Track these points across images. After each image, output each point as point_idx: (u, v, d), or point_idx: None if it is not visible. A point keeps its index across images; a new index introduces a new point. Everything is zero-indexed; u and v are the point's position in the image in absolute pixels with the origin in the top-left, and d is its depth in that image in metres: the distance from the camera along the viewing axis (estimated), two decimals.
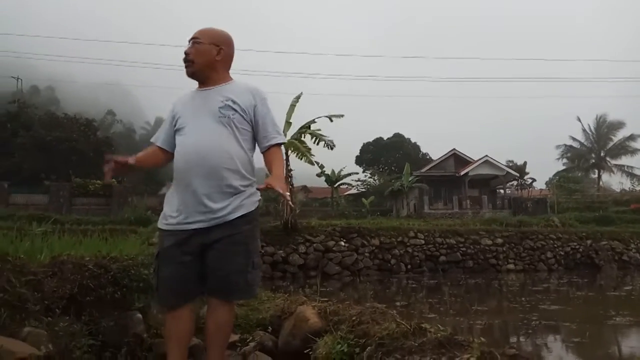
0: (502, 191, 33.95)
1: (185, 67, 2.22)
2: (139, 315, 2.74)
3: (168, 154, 2.26)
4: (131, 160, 2.15)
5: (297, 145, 14.55)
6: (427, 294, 10.89)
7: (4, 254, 2.51)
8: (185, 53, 2.21)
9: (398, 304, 8.42)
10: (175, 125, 2.23)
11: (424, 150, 52.38)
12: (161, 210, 2.21)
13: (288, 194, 2.04)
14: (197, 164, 2.06)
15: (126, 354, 2.54)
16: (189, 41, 2.23)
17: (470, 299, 9.88)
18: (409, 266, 14.78)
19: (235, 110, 2.15)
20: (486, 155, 30.64)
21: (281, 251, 13.39)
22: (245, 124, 2.19)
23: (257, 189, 2.17)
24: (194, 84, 2.29)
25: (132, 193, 23.89)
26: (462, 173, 30.19)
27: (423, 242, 15.29)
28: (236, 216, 2.09)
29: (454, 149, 33.60)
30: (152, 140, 2.32)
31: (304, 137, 15.03)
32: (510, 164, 36.29)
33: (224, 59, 2.25)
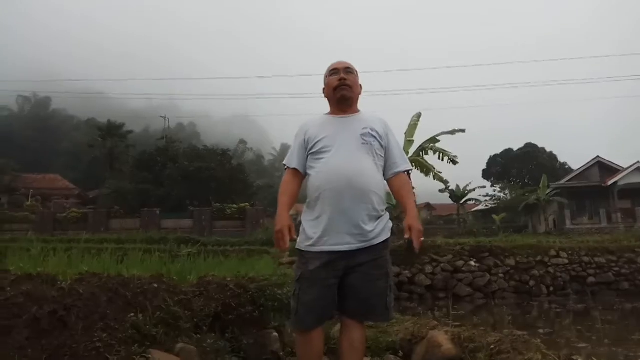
0: None
1: (343, 89, 2.29)
2: (276, 334, 2.88)
3: (301, 176, 2.30)
4: (291, 225, 2.24)
5: (421, 162, 14.25)
6: (575, 319, 9.75)
7: (159, 275, 2.82)
8: (344, 78, 2.30)
9: (541, 331, 7.66)
10: (310, 149, 2.26)
11: (561, 159, 48.04)
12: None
13: (422, 239, 2.12)
14: (349, 187, 2.10)
15: None
16: (340, 69, 2.32)
17: (627, 326, 8.65)
18: (551, 288, 13.41)
19: (375, 137, 2.25)
20: (638, 161, 26.99)
21: (407, 271, 13.09)
22: (382, 151, 2.28)
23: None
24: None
25: (264, 215, 25.47)
26: (610, 183, 27.03)
27: (567, 261, 13.79)
28: (380, 240, 2.15)
29: (598, 157, 30.26)
30: (284, 162, 2.35)
31: (427, 154, 14.69)
32: None
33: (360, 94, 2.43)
